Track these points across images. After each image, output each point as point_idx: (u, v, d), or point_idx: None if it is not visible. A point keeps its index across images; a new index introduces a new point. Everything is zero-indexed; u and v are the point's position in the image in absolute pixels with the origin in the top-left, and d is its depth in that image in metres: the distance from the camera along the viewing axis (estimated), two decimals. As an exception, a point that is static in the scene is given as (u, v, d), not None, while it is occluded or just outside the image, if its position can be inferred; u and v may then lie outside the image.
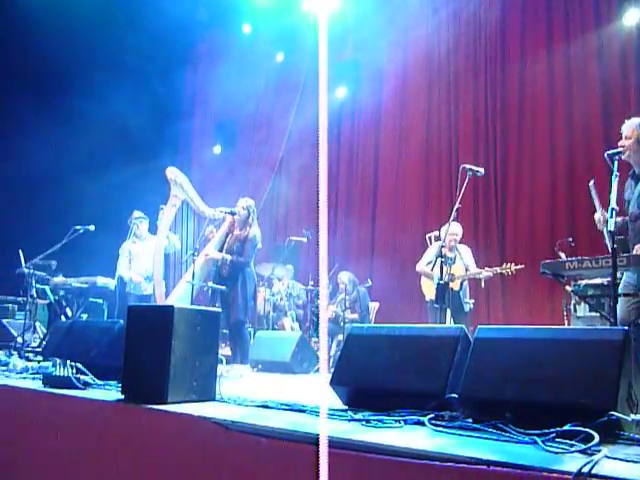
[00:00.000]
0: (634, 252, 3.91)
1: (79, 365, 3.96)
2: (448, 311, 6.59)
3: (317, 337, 8.00)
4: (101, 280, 7.52)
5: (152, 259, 6.76)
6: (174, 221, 6.71)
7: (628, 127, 4.11)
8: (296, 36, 11.26)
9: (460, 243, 7.02)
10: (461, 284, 6.75)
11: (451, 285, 6.60)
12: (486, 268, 6.75)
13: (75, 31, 9.86)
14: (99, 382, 3.86)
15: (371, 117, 10.88)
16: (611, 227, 3.33)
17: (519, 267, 6.42)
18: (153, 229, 7.26)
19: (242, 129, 12.49)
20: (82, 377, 3.83)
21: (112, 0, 10.31)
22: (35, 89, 9.95)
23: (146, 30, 10.77)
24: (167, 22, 10.63)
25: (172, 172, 6.60)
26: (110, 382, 3.86)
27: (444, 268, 4.88)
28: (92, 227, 7.23)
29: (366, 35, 10.62)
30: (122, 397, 3.32)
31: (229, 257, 6.18)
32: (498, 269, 6.54)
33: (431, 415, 2.62)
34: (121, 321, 4.59)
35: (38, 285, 7.45)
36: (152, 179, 9.68)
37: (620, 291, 3.77)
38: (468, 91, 9.64)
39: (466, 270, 6.77)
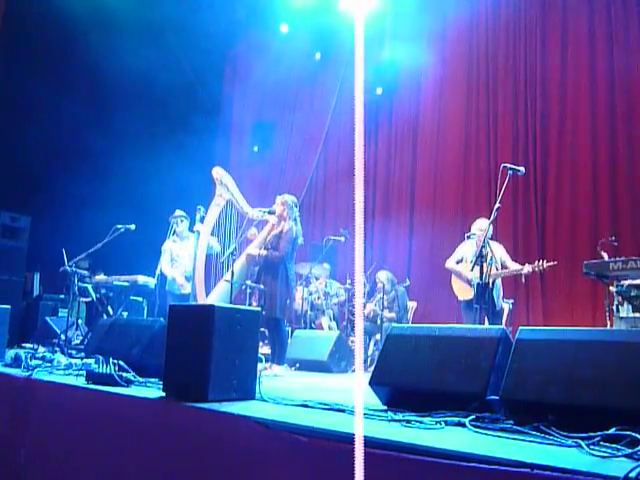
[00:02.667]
0: None
1: (121, 362, 4.03)
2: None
3: (354, 336, 7.99)
4: (142, 278, 7.65)
5: (192, 258, 6.80)
6: (217, 221, 6.75)
7: None
8: (333, 36, 11.26)
9: (492, 240, 6.90)
10: (493, 282, 6.63)
11: (482, 284, 6.51)
12: (526, 265, 6.61)
13: (111, 31, 10.01)
14: (140, 379, 3.91)
15: (409, 116, 10.82)
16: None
17: (551, 264, 6.27)
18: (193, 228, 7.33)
19: (279, 129, 12.53)
20: (124, 374, 3.89)
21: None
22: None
23: (184, 30, 10.89)
24: (205, 22, 10.73)
25: (218, 172, 6.63)
26: (151, 380, 3.92)
27: (484, 268, 4.82)
28: (133, 226, 7.32)
29: (404, 34, 10.57)
30: (163, 394, 3.37)
31: (264, 252, 6.19)
32: (529, 266, 6.37)
33: (472, 417, 2.60)
34: (162, 319, 4.66)
35: (80, 283, 7.60)
36: (191, 178, 9.82)
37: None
38: (507, 89, 9.52)
39: (497, 268, 6.64)
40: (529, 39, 9.36)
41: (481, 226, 6.63)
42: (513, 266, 6.60)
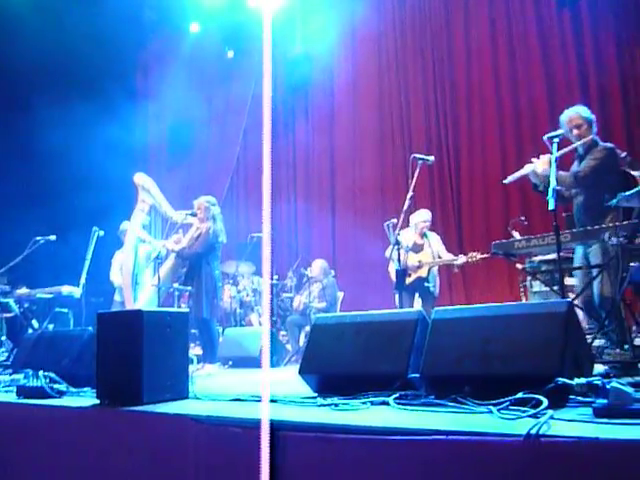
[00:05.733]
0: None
1: (52, 374, 4.00)
2: (416, 296, 6.82)
3: (285, 330, 8.12)
4: (66, 289, 7.52)
5: (138, 267, 6.81)
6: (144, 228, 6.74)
7: (576, 117, 4.36)
8: (245, 33, 11.30)
9: (430, 230, 7.26)
10: (429, 271, 6.93)
11: (419, 272, 6.80)
12: (460, 255, 6.92)
13: (15, 32, 9.73)
14: (73, 390, 3.91)
15: (325, 110, 11.02)
16: (552, 206, 3.54)
17: (484, 256, 6.62)
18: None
19: (196, 129, 12.47)
20: (55, 386, 3.87)
21: (58, 3, 10.19)
22: None
23: (93, 34, 10.68)
24: (113, 25, 10.56)
25: (140, 178, 6.60)
26: (84, 389, 3.92)
27: (402, 255, 5.03)
28: (53, 237, 7.21)
29: (315, 28, 10.73)
30: (98, 402, 3.39)
31: (177, 246, 6.30)
32: (464, 257, 6.73)
33: (395, 395, 2.76)
34: (90, 328, 4.64)
35: (1, 298, 7.42)
36: (108, 189, 9.68)
37: (575, 264, 4.03)
38: (417, 81, 9.86)
39: (434, 258, 6.96)
40: (435, 29, 9.73)
41: (422, 217, 6.99)
42: (447, 256, 6.95)
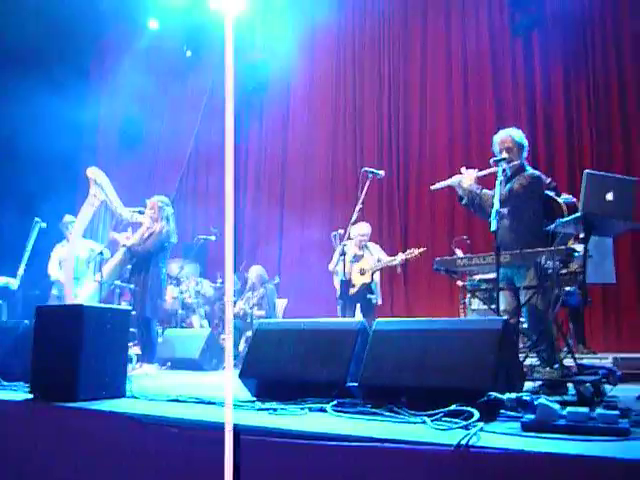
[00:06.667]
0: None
1: (-18, 367, 3.91)
2: (358, 306, 6.88)
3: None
4: (1, 280, 7.31)
5: (79, 262, 6.68)
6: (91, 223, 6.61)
7: (509, 139, 4.51)
8: (204, 34, 11.26)
9: (370, 241, 7.34)
10: (372, 276, 7.00)
11: (362, 279, 6.87)
12: (399, 254, 7.01)
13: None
14: (5, 383, 3.83)
15: (279, 116, 11.06)
16: (494, 227, 3.65)
17: (422, 250, 6.73)
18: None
19: (149, 126, 12.32)
20: (-14, 379, 3.80)
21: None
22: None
23: (49, 20, 10.45)
24: (69, 14, 10.36)
25: (93, 172, 6.45)
26: (17, 383, 3.84)
27: (347, 265, 5.09)
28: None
29: (273, 35, 10.77)
30: (31, 397, 3.33)
31: (129, 242, 6.25)
32: (403, 255, 6.83)
33: (333, 402, 2.81)
34: (26, 321, 4.55)
35: None
36: (53, 180, 9.45)
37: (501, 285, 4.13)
38: (372, 93, 10.00)
39: (375, 263, 7.05)
40: (393, 41, 9.90)
41: (361, 230, 7.05)
42: (387, 258, 7.03)
